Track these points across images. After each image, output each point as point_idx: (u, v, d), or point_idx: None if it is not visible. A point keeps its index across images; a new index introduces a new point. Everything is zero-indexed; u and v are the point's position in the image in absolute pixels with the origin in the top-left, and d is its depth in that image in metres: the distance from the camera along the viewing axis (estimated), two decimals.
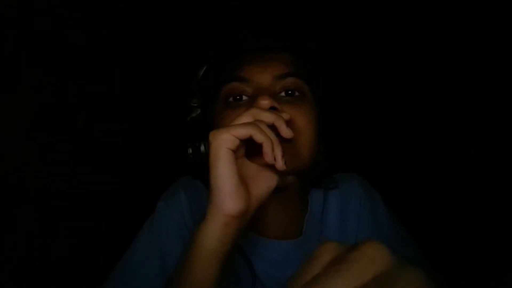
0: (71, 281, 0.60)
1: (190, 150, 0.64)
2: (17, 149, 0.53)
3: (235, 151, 0.40)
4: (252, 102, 0.51)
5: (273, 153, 0.41)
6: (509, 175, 0.60)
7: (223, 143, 0.39)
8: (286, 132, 0.44)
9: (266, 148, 0.40)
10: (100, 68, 0.71)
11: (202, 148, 0.63)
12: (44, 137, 0.58)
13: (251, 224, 0.56)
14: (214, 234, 0.40)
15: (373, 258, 0.20)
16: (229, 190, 0.39)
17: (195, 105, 0.65)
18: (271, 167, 0.43)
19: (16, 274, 0.52)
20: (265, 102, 0.47)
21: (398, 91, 0.86)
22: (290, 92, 0.54)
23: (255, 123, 0.41)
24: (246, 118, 0.42)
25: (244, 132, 0.40)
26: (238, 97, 0.54)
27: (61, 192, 0.61)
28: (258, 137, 0.40)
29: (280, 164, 0.41)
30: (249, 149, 0.45)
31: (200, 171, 0.54)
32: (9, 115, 0.50)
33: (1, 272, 0.49)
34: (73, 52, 0.63)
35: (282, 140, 0.43)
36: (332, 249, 0.22)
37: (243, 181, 0.41)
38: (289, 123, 0.46)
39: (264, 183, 0.44)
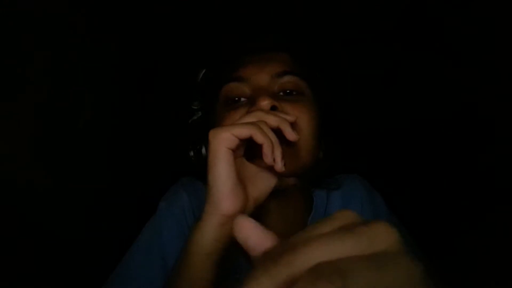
0: (72, 281, 0.60)
1: (191, 153, 0.64)
2: (18, 150, 0.53)
3: (234, 151, 0.40)
4: (250, 103, 0.52)
5: (273, 155, 0.41)
6: (510, 175, 0.60)
7: (223, 142, 0.39)
8: (291, 135, 0.43)
9: (266, 149, 0.40)
10: (100, 70, 0.71)
11: (203, 150, 0.63)
12: (45, 138, 0.58)
13: None
14: (210, 233, 0.40)
15: (380, 236, 0.20)
16: (227, 190, 0.39)
17: (196, 108, 0.66)
18: (270, 169, 0.43)
19: (16, 273, 0.52)
20: (265, 103, 0.47)
21: (398, 91, 0.86)
22: (288, 91, 0.54)
23: (256, 123, 0.41)
24: (250, 119, 0.42)
25: (244, 132, 0.40)
26: (236, 99, 0.54)
27: (61, 193, 0.61)
28: (258, 138, 0.40)
29: (279, 166, 0.41)
30: (249, 150, 0.45)
31: (202, 173, 0.55)
32: (10, 117, 0.51)
33: (2, 271, 0.49)
34: (73, 54, 0.64)
35: (284, 142, 0.44)
36: (347, 216, 0.23)
37: (241, 181, 0.41)
38: (292, 124, 0.46)
39: (262, 184, 0.44)
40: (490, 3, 0.68)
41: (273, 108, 0.48)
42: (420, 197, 0.80)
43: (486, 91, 0.68)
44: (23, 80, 0.53)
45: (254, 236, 0.24)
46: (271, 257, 0.21)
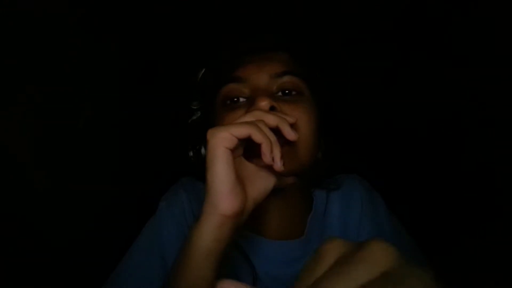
0: (72, 281, 0.60)
1: (191, 153, 0.64)
2: (17, 149, 0.53)
3: (233, 150, 0.40)
4: (249, 104, 0.52)
5: (272, 154, 0.41)
6: (510, 175, 0.60)
7: (221, 141, 0.39)
8: (290, 134, 0.43)
9: (265, 149, 0.40)
10: (100, 70, 0.71)
11: (203, 150, 0.63)
12: (45, 138, 0.58)
13: (252, 225, 0.57)
14: (209, 234, 0.40)
15: (379, 257, 0.20)
16: (226, 190, 0.39)
17: (195, 107, 0.66)
18: (269, 168, 0.43)
19: (17, 274, 0.52)
20: (263, 103, 0.47)
21: (398, 91, 0.86)
22: (287, 91, 0.54)
23: (254, 123, 0.41)
24: (248, 118, 0.42)
25: (243, 131, 0.39)
26: (235, 99, 0.54)
27: (61, 193, 0.62)
28: (257, 137, 0.40)
29: (278, 165, 0.41)
30: (248, 150, 0.45)
31: (201, 173, 0.55)
32: (10, 116, 0.51)
33: (1, 272, 0.49)
34: (73, 54, 0.64)
35: (283, 141, 0.44)
36: (338, 247, 0.22)
37: (240, 181, 0.41)
38: (291, 124, 0.46)
39: (261, 183, 0.44)
40: (490, 3, 0.68)
41: (272, 109, 0.48)
42: (420, 197, 0.80)
43: (487, 91, 0.68)
44: (23, 80, 0.53)
45: None
46: None
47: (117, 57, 0.77)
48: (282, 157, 0.41)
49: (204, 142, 0.59)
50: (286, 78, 0.54)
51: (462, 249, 0.66)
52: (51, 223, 0.59)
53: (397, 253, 0.20)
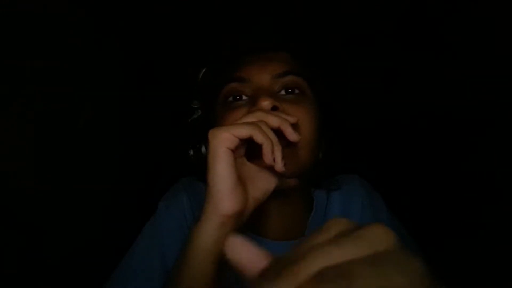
0: (72, 281, 0.60)
1: (191, 152, 0.64)
2: (17, 149, 0.53)
3: (234, 151, 0.40)
4: (251, 102, 0.51)
5: (273, 155, 0.40)
6: (509, 175, 0.60)
7: (223, 142, 0.39)
8: (292, 135, 0.43)
9: (266, 149, 0.40)
10: (101, 70, 0.71)
11: (203, 149, 0.63)
12: (45, 137, 0.58)
13: (252, 226, 0.57)
14: (209, 234, 0.40)
15: (377, 238, 0.20)
16: (227, 190, 0.39)
17: (196, 106, 0.65)
18: (271, 169, 0.43)
19: (16, 274, 0.52)
20: (265, 103, 0.47)
21: (398, 91, 0.86)
22: (290, 90, 0.54)
23: (256, 123, 0.41)
24: (250, 119, 0.42)
25: (244, 132, 0.39)
26: (237, 97, 0.54)
27: (61, 193, 0.61)
28: (258, 138, 0.40)
29: (279, 166, 0.41)
30: (249, 150, 0.45)
31: (202, 172, 0.55)
32: (10, 116, 0.51)
33: (2, 272, 0.49)
34: (74, 54, 0.64)
35: (284, 142, 0.43)
36: (341, 224, 0.23)
37: (241, 181, 0.41)
38: (293, 125, 0.46)
39: (262, 184, 0.44)
40: (489, 4, 0.68)
41: (274, 109, 0.48)
42: (420, 197, 0.80)
43: (487, 91, 0.68)
44: (23, 80, 0.53)
45: (247, 255, 0.23)
46: (273, 272, 0.21)
47: (118, 57, 0.77)
48: (283, 158, 0.41)
49: (204, 141, 0.58)
50: (289, 78, 0.53)
51: (462, 250, 0.66)
52: (51, 223, 0.59)
53: (396, 238, 0.21)
